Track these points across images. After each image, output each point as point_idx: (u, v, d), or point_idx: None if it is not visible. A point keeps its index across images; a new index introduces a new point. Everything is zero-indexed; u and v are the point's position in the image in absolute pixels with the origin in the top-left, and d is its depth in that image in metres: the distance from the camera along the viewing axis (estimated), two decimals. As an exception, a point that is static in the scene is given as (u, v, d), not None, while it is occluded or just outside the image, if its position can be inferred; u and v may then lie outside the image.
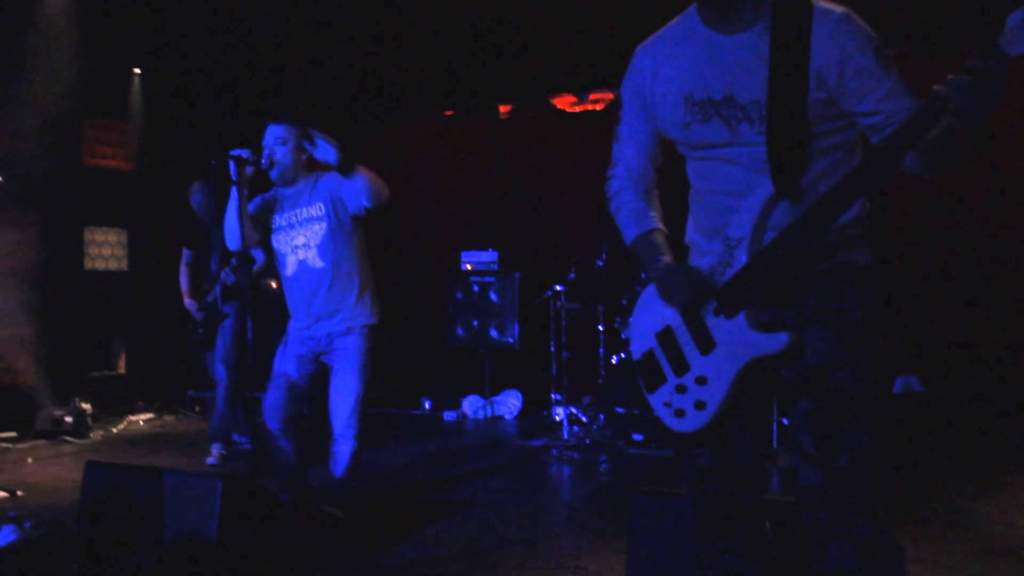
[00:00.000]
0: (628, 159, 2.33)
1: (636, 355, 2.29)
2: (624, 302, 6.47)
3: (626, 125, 2.32)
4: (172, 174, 8.34)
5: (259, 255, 6.03)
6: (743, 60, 2.06)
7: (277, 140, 4.16)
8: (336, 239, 4.18)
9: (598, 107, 8.40)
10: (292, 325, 4.33)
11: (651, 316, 2.24)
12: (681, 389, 2.15)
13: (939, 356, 6.65)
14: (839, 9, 2.01)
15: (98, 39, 7.54)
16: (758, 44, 2.03)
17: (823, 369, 2.03)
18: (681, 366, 2.16)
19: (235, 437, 6.39)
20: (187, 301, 6.44)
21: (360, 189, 4.01)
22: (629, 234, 2.33)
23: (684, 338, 2.16)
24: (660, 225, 2.32)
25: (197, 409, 8.20)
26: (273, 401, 4.24)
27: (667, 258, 2.23)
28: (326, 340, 4.23)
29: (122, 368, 8.58)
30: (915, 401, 5.89)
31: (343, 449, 4.17)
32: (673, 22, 2.22)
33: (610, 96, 8.30)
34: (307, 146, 3.92)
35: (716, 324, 2.09)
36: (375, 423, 7.79)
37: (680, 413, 2.16)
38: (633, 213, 2.33)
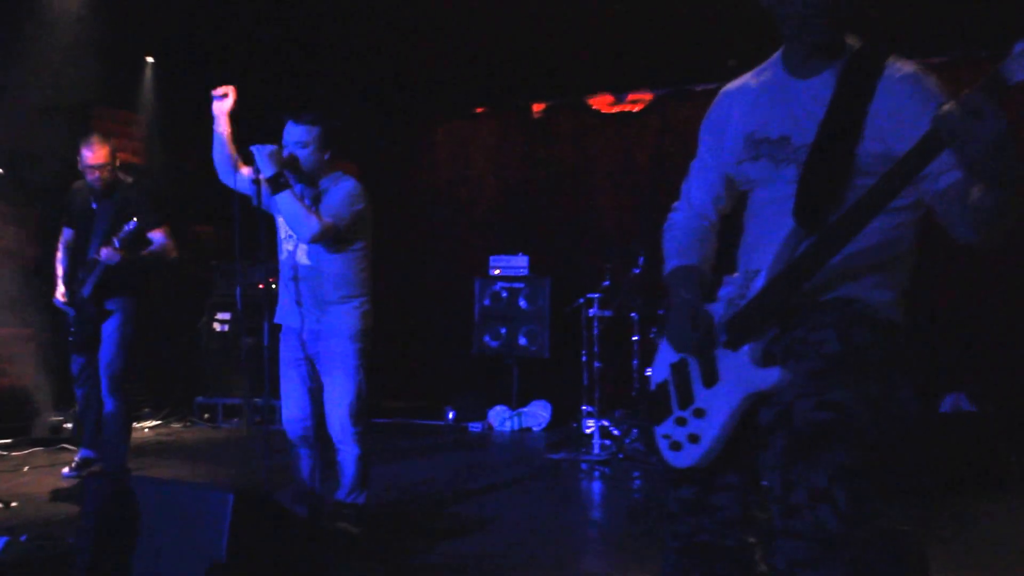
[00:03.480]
0: (692, 195, 2.40)
1: (652, 385, 2.33)
2: (661, 312, 6.34)
3: (698, 162, 2.39)
4: (184, 169, 8.19)
5: (157, 238, 5.42)
6: (806, 104, 2.10)
7: (297, 144, 4.00)
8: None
9: (636, 108, 8.37)
10: (284, 331, 4.21)
11: (671, 347, 2.27)
12: (681, 421, 2.16)
13: (989, 374, 6.56)
14: (910, 67, 2.03)
15: (109, 25, 7.38)
16: (824, 90, 2.07)
17: (792, 402, 1.97)
18: (686, 399, 2.17)
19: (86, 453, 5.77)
20: (58, 294, 5.49)
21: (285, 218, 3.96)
22: (668, 265, 2.36)
23: (694, 370, 2.17)
24: (698, 262, 2.32)
25: (206, 416, 8.12)
26: (290, 412, 4.17)
27: (687, 295, 2.22)
28: (313, 342, 4.11)
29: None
30: (964, 420, 5.82)
31: (347, 457, 4.11)
32: (759, 67, 2.28)
33: (649, 97, 8.25)
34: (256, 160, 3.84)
35: (723, 357, 2.10)
36: (396, 434, 7.79)
37: (676, 446, 2.16)
38: (678, 246, 2.35)
